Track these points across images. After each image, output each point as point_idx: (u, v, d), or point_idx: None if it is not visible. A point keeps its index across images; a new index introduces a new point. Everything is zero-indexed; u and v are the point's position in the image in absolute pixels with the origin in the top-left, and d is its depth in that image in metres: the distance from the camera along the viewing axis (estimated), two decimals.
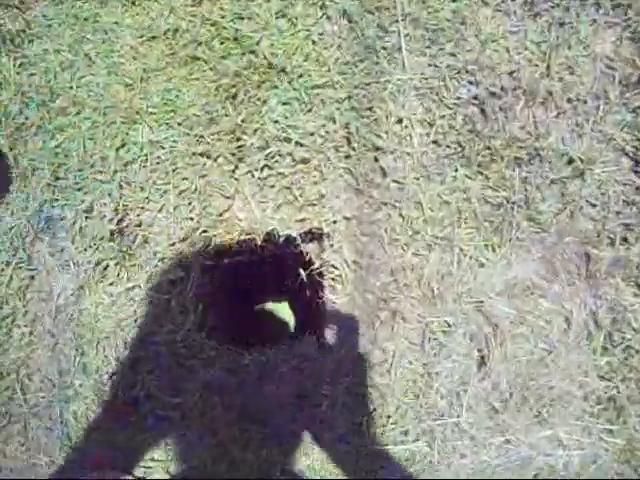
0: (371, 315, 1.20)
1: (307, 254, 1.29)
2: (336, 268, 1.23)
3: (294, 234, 1.24)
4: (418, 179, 1.20)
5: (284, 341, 1.25)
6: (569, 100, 1.19)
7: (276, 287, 1.56)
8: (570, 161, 1.18)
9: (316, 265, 1.26)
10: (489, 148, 1.19)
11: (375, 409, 1.18)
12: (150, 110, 1.24)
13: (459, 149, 1.20)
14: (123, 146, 1.25)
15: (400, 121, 1.21)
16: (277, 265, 1.46)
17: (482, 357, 1.18)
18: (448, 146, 1.20)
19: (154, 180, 1.24)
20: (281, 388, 1.19)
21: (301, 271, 1.26)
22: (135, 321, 1.22)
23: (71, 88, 1.28)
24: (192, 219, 1.24)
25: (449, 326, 1.18)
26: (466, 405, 1.16)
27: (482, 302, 1.18)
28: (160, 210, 1.24)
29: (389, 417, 1.18)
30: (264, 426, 1.18)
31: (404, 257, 1.19)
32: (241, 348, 1.23)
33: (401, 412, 1.18)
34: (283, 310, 1.55)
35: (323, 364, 1.20)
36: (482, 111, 1.20)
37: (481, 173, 1.19)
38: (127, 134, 1.25)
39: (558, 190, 1.18)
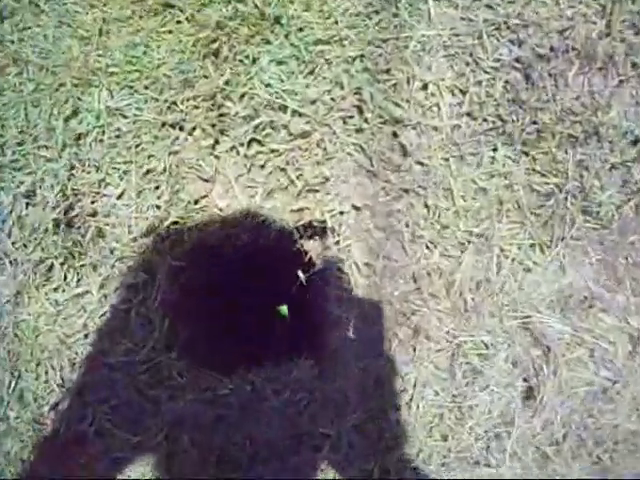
0: (388, 332, 1.10)
1: (306, 254, 1.21)
2: (343, 272, 1.14)
3: (289, 227, 1.16)
4: (447, 160, 1.11)
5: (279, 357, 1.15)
6: (634, 65, 1.09)
7: (265, 295, 1.47)
8: (635, 141, 1.09)
9: (317, 268, 1.18)
10: (536, 123, 1.09)
11: (391, 452, 1.07)
12: (110, 70, 1.15)
13: (499, 124, 1.10)
14: (75, 114, 1.15)
15: (425, 87, 1.12)
16: (267, 267, 1.37)
17: (529, 388, 1.08)
18: (485, 119, 1.11)
19: (112, 157, 1.15)
20: (271, 425, 1.08)
21: (300, 273, 1.16)
22: (85, 337, 1.12)
23: (12, 42, 1.17)
24: (159, 207, 1.15)
25: (486, 347, 1.09)
26: (509, 450, 1.05)
27: (529, 317, 1.08)
28: (120, 196, 1.15)
29: (409, 463, 1.07)
30: (248, 473, 1.07)
31: (429, 259, 1.11)
32: (220, 373, 1.12)
33: (424, 457, 1.07)
34: (282, 310, 1.63)
35: (324, 395, 1.09)
36: (527, 77, 1.10)
37: (526, 154, 1.10)
38: (80, 99, 1.15)
39: (620, 177, 1.10)
